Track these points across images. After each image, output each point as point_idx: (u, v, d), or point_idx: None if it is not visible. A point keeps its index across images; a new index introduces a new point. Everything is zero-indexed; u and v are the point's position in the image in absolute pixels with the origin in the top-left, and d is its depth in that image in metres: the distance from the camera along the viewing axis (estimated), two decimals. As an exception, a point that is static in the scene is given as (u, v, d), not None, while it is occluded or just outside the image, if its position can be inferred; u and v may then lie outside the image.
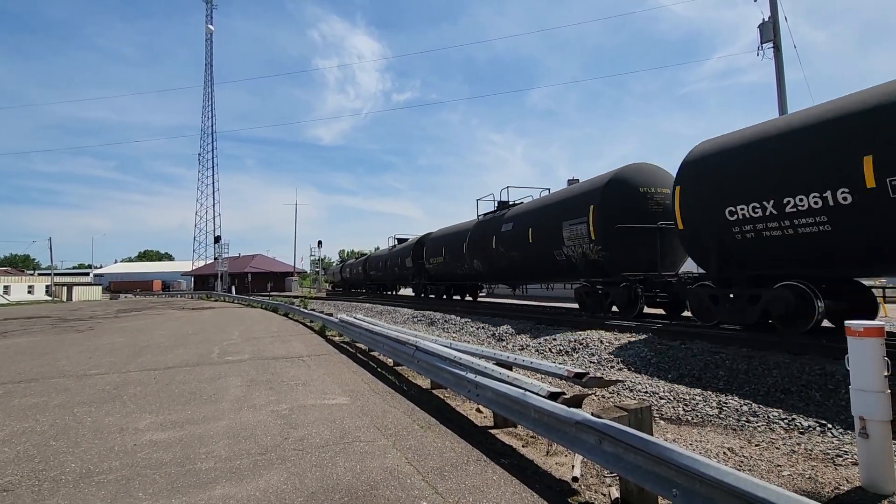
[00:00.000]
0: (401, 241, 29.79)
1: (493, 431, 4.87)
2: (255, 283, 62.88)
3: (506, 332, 11.15)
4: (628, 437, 2.90)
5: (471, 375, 4.97)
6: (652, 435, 3.24)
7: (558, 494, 3.43)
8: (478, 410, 5.59)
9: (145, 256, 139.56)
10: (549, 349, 9.17)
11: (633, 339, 8.59)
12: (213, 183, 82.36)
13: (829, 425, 4.57)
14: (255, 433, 4.80)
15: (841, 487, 3.42)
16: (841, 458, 3.91)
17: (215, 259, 60.94)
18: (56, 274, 68.76)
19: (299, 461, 4.03)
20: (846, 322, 3.47)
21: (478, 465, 3.93)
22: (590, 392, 5.67)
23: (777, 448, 4.25)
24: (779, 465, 3.86)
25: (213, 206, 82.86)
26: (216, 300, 41.47)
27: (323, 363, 8.81)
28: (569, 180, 23.54)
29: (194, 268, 76.42)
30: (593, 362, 7.91)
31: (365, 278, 36.14)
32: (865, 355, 3.30)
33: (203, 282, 67.11)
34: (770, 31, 16.37)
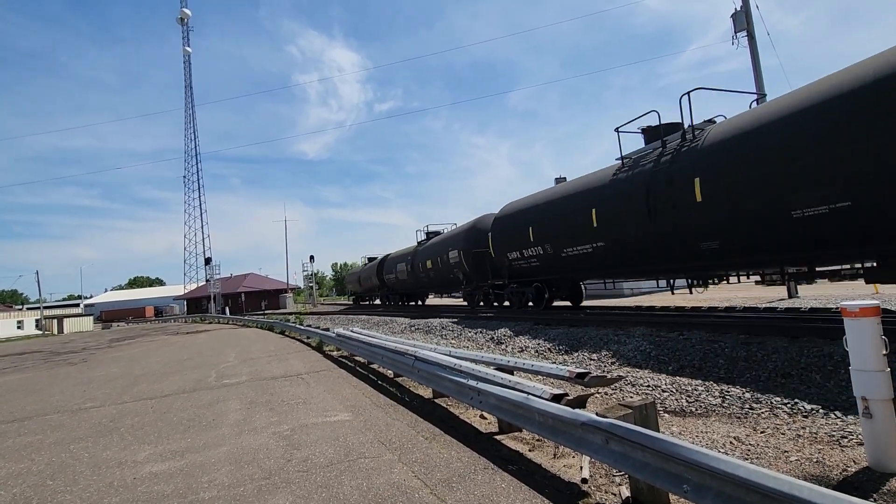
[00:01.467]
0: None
1: (498, 437, 4.83)
2: (249, 302, 62.36)
3: (504, 335, 11.12)
4: (635, 435, 2.88)
5: (472, 382, 4.93)
6: (658, 430, 3.22)
7: (569, 497, 3.40)
8: (482, 417, 5.54)
9: (136, 283, 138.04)
10: (549, 349, 9.15)
11: (630, 332, 8.60)
12: (200, 204, 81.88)
13: (832, 407, 4.59)
14: (258, 457, 4.72)
15: (849, 469, 3.42)
16: (846, 440, 3.92)
17: (207, 281, 60.39)
18: (45, 307, 67.73)
19: (304, 483, 3.96)
20: (842, 303, 3.48)
21: (486, 473, 3.88)
22: (593, 391, 5.65)
23: (782, 434, 4.25)
24: (786, 451, 3.86)
25: (202, 227, 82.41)
26: (210, 322, 41.05)
27: (322, 380, 8.72)
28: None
29: (186, 291, 75.67)
30: (593, 360, 7.90)
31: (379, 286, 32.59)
32: (863, 335, 3.31)
33: (196, 305, 66.45)
34: (743, 20, 16.62)
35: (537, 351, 9.31)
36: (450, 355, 6.32)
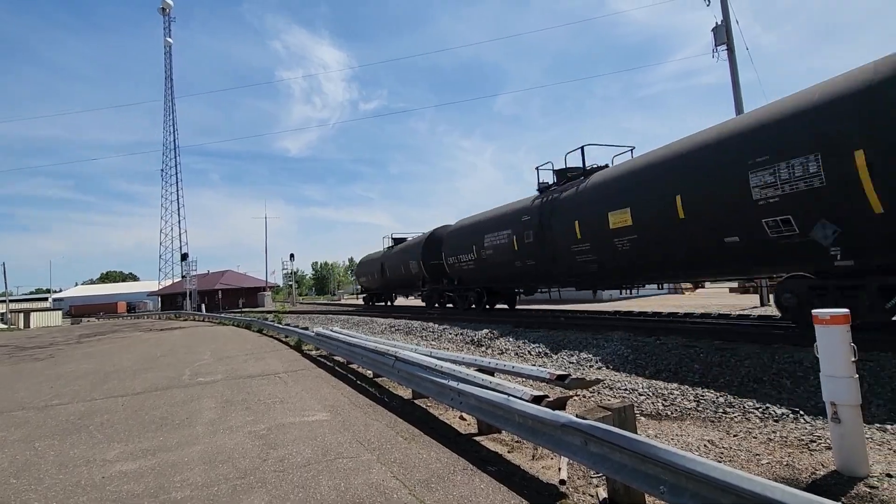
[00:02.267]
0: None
1: (477, 438, 4.83)
2: (226, 299, 61.23)
3: (485, 337, 11.15)
4: (613, 437, 2.91)
5: (453, 383, 4.93)
6: (636, 432, 3.27)
7: (547, 498, 3.42)
8: (461, 418, 5.54)
9: (108, 278, 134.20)
10: (529, 352, 9.21)
11: (609, 336, 8.71)
12: (178, 199, 79.88)
13: (802, 412, 4.72)
14: (233, 456, 4.63)
15: (817, 472, 3.52)
16: (815, 444, 4.04)
17: (183, 277, 59.05)
18: (11, 300, 65.30)
19: (281, 483, 3.90)
20: (814, 311, 3.59)
21: (465, 474, 3.88)
22: (572, 393, 5.70)
23: (754, 437, 4.35)
24: (757, 454, 3.95)
25: (179, 222, 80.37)
26: (185, 319, 40.17)
27: (301, 379, 8.60)
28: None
29: (161, 287, 73.89)
30: (572, 362, 7.97)
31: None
32: (834, 342, 3.42)
33: (171, 301, 64.94)
34: (723, 34, 17.04)
35: (517, 353, 9.36)
36: (431, 356, 6.30)
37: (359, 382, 8.00)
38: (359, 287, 32.09)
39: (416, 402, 6.42)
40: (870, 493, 3.14)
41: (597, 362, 7.72)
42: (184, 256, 62.52)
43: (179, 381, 9.10)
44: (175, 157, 78.98)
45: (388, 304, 30.78)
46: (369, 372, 8.35)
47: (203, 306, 51.69)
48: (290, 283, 62.94)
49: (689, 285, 28.71)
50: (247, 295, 63.93)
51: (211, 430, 5.63)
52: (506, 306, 18.59)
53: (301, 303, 61.74)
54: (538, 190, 13.72)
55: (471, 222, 17.26)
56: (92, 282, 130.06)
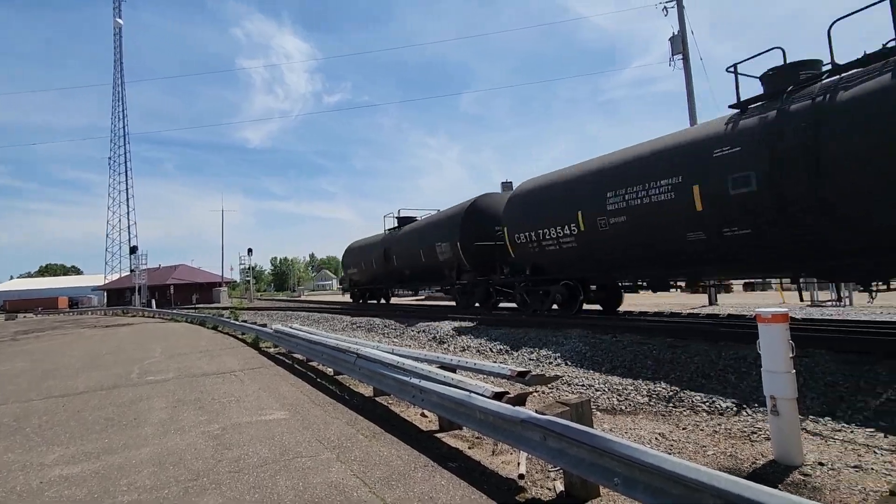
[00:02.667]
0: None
1: (439, 435, 4.86)
2: (179, 295, 58.76)
3: (447, 335, 11.20)
4: (571, 432, 2.99)
5: (415, 380, 4.93)
6: (592, 427, 3.37)
7: (506, 493, 3.48)
8: (422, 415, 5.55)
9: (48, 271, 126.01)
10: (490, 349, 9.32)
11: (568, 334, 8.93)
12: (127, 189, 76.01)
13: (744, 405, 5.00)
14: (185, 458, 4.46)
15: (757, 462, 3.74)
16: (756, 435, 4.28)
17: (132, 271, 56.23)
18: (-64, 294, 60.24)
19: (235, 484, 3.79)
20: (757, 310, 3.80)
21: (426, 470, 3.89)
22: (532, 390, 5.81)
23: (701, 430, 4.58)
24: (704, 446, 4.16)
25: (128, 213, 76.47)
26: (134, 316, 38.30)
27: (258, 377, 8.38)
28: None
29: (107, 281, 70.09)
30: (532, 359, 8.13)
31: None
32: (774, 339, 3.64)
33: (118, 296, 61.72)
34: (679, 44, 17.75)
35: (479, 350, 9.45)
36: (392, 353, 6.28)
37: (319, 380, 7.87)
38: (342, 284, 27.47)
39: (377, 399, 6.38)
40: (804, 480, 3.37)
41: (556, 359, 7.90)
42: (133, 249, 59.58)
43: (127, 380, 8.68)
44: (125, 145, 75.15)
45: (376, 301, 25.71)
46: (330, 369, 8.23)
47: (153, 302, 49.47)
48: (248, 278, 61.07)
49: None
50: (201, 291, 61.62)
51: (161, 430, 5.40)
52: (599, 307, 12.42)
53: (259, 299, 60.06)
54: (752, 104, 7.41)
55: (569, 175, 10.84)
56: (30, 275, 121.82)
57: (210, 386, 7.75)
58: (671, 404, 5.37)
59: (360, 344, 7.48)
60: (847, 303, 14.23)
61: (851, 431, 4.18)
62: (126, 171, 75.55)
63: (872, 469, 3.45)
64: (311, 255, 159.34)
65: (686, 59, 17.80)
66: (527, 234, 11.62)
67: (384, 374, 5.60)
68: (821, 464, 3.57)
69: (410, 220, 20.80)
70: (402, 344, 11.22)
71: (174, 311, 31.08)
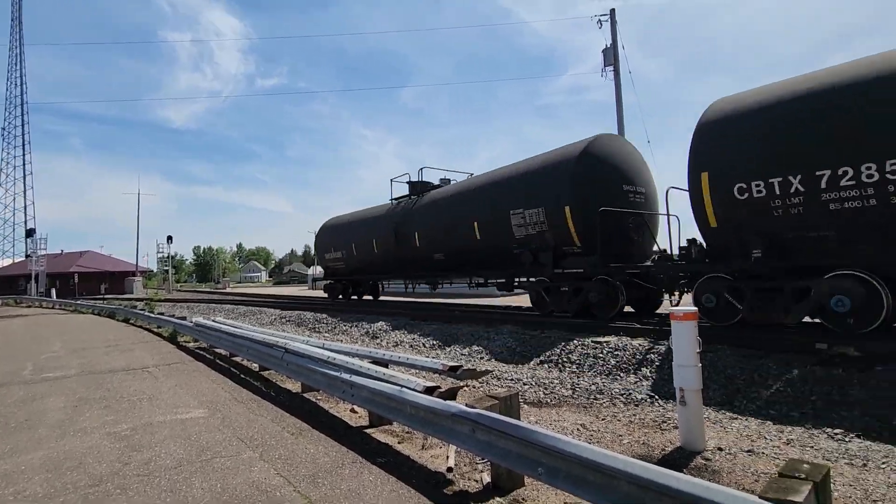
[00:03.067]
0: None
1: (368, 431, 4.80)
2: (85, 285, 53.53)
3: (380, 330, 11.09)
4: (499, 424, 3.07)
5: (345, 375, 4.83)
6: (520, 419, 3.48)
7: (434, 487, 3.50)
8: (352, 411, 5.46)
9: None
10: (423, 344, 9.35)
11: (499, 329, 9.16)
12: (24, 164, 68.06)
13: (657, 397, 5.39)
14: (85, 461, 4.08)
15: (666, 448, 4.05)
16: (666, 424, 4.63)
17: (27, 257, 50.50)
18: None
19: (145, 488, 3.52)
20: (671, 308, 4.10)
21: (353, 467, 3.83)
22: (463, 384, 5.90)
23: (619, 420, 4.87)
24: (620, 435, 4.43)
25: (25, 192, 68.50)
26: (30, 306, 34.45)
27: (174, 373, 7.84)
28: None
29: (-3, 267, 62.50)
30: (464, 354, 8.26)
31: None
32: (684, 336, 3.94)
33: (10, 284, 55.16)
34: (611, 57, 18.73)
35: (412, 345, 9.45)
36: (323, 348, 6.12)
37: (243, 376, 7.51)
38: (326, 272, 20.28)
39: (305, 395, 6.19)
40: (705, 464, 3.69)
41: (487, 354, 8.09)
42: (30, 232, 53.64)
43: (19, 377, 7.79)
44: (22, 115, 67.23)
45: (359, 297, 19.89)
46: (255, 365, 7.87)
47: (54, 291, 44.75)
48: (167, 267, 56.92)
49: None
50: (112, 280, 56.58)
51: (58, 432, 4.90)
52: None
53: (179, 290, 56.25)
54: None
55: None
56: None
57: (119, 383, 7.14)
58: (592, 397, 5.67)
59: (289, 338, 7.22)
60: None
61: (746, 419, 4.63)
62: (24, 145, 67.63)
63: (763, 453, 3.84)
64: (239, 246, 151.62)
65: (617, 72, 18.83)
66: (755, 182, 6.57)
67: (313, 369, 5.45)
68: (720, 449, 3.93)
69: (429, 185, 15.47)
70: (334, 339, 10.97)
71: (79, 302, 28.31)
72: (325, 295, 21.22)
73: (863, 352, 5.37)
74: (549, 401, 5.75)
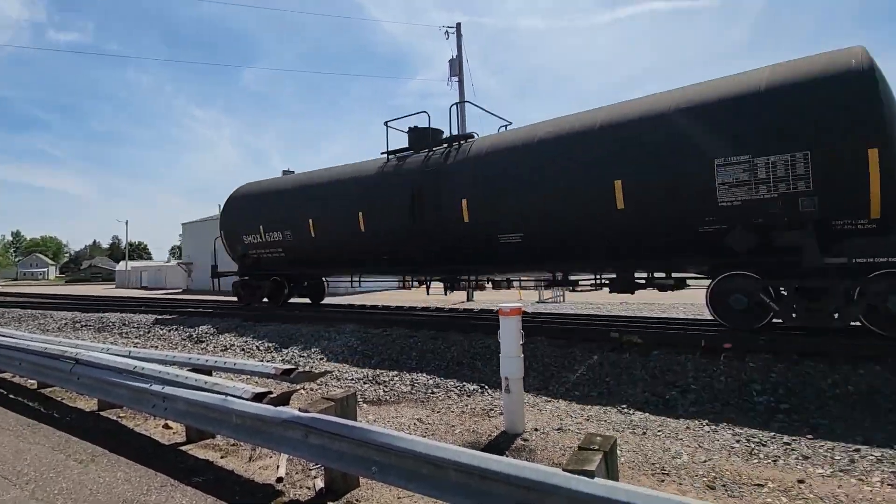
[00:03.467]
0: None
1: (185, 448, 4.24)
2: None
3: (205, 333, 9.95)
4: (334, 427, 2.97)
5: (156, 387, 4.19)
6: (356, 420, 3.42)
7: (261, 499, 3.24)
8: (166, 427, 4.77)
9: None
10: (257, 347, 8.66)
11: (341, 329, 8.96)
12: None
13: (487, 386, 5.83)
14: None
15: (492, 434, 4.39)
16: (493, 412, 5.03)
17: None
18: None
19: None
20: (500, 305, 4.46)
21: (162, 492, 3.33)
22: (299, 387, 5.60)
23: (452, 411, 5.14)
24: (453, 426, 4.68)
25: None
26: None
27: None
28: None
29: None
30: (303, 356, 7.88)
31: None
32: (510, 329, 4.33)
33: None
34: (456, 68, 19.82)
35: (244, 349, 8.68)
36: (129, 356, 5.23)
37: (12, 397, 6.02)
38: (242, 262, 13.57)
39: (102, 413, 5.22)
40: (523, 444, 4.10)
41: (328, 354, 7.83)
42: None
43: None
44: None
45: (288, 300, 13.71)
46: (32, 382, 6.38)
47: None
48: None
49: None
50: None
51: None
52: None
53: None
54: None
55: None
56: None
57: None
58: (430, 391, 5.88)
59: (85, 347, 6.01)
60: (562, 300, 18.09)
61: (557, 401, 5.29)
62: None
63: (570, 429, 4.42)
64: (16, 234, 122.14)
65: (461, 83, 19.98)
66: None
67: (114, 381, 4.61)
68: (536, 429, 4.41)
69: (465, 135, 10.24)
70: (146, 345, 9.49)
71: None
72: (233, 298, 14.02)
73: (644, 339, 6.56)
74: (388, 398, 5.79)
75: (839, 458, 3.63)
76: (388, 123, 11.15)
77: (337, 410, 3.35)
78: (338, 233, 11.01)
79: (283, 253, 12.33)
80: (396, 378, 6.37)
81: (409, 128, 10.87)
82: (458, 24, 20.25)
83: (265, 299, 13.19)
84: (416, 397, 5.75)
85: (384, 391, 6.01)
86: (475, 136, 10.05)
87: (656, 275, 7.66)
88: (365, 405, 5.55)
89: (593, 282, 8.50)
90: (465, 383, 5.97)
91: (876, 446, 3.77)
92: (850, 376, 4.88)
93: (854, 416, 4.37)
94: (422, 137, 10.43)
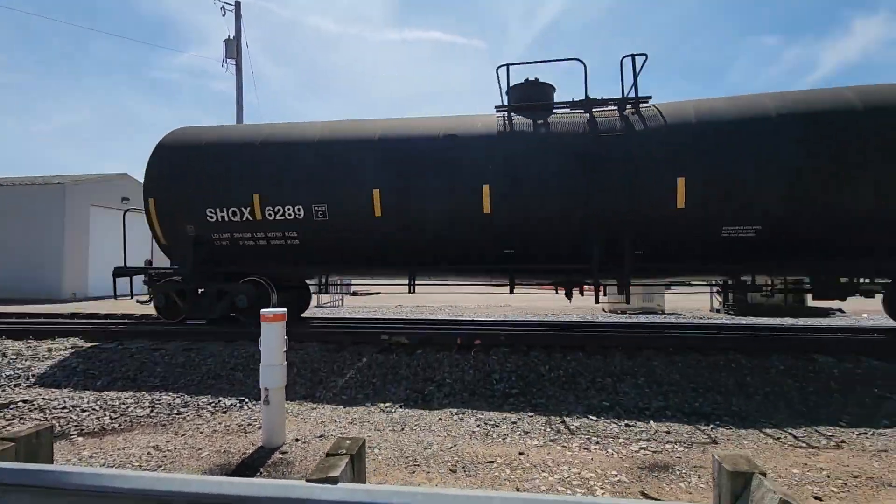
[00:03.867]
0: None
1: None
2: None
3: None
4: (7, 475, 2.25)
5: None
6: (52, 459, 2.68)
7: None
8: None
9: None
10: None
11: (65, 344, 7.05)
12: None
13: (247, 399, 5.33)
14: None
15: (247, 451, 4.01)
16: (252, 426, 4.62)
17: None
18: None
19: None
20: (262, 311, 4.13)
21: None
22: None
23: (201, 432, 4.52)
24: (200, 449, 4.10)
25: None
26: None
27: None
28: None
29: None
30: (-13, 384, 5.89)
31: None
32: (272, 336, 4.05)
33: None
34: (234, 50, 18.03)
35: None
36: None
37: None
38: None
39: None
40: (281, 458, 3.85)
41: (30, 377, 6.04)
42: None
43: None
44: None
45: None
46: None
47: None
48: None
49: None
50: None
51: None
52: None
53: None
54: None
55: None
56: None
57: None
58: (175, 411, 5.07)
59: None
60: (341, 303, 18.06)
61: (323, 407, 5.18)
62: None
63: (332, 435, 4.35)
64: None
65: (239, 68, 18.24)
66: None
67: None
68: (297, 440, 4.20)
69: (637, 98, 7.12)
70: None
71: None
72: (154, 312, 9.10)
73: (410, 340, 6.99)
74: (116, 426, 4.76)
75: (549, 430, 4.47)
76: (509, 66, 7.70)
77: (19, 452, 2.56)
78: (436, 212, 7.19)
79: (297, 240, 7.82)
80: (131, 400, 5.30)
81: (530, 80, 7.80)
82: (238, 3, 18.46)
83: (252, 304, 8.03)
84: (157, 420, 4.87)
85: (111, 417, 4.92)
86: (650, 99, 7.20)
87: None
88: (80, 438, 4.44)
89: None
90: (220, 399, 5.34)
91: (576, 417, 4.78)
92: (561, 363, 6.11)
93: (563, 395, 5.47)
94: (542, 94, 7.71)
